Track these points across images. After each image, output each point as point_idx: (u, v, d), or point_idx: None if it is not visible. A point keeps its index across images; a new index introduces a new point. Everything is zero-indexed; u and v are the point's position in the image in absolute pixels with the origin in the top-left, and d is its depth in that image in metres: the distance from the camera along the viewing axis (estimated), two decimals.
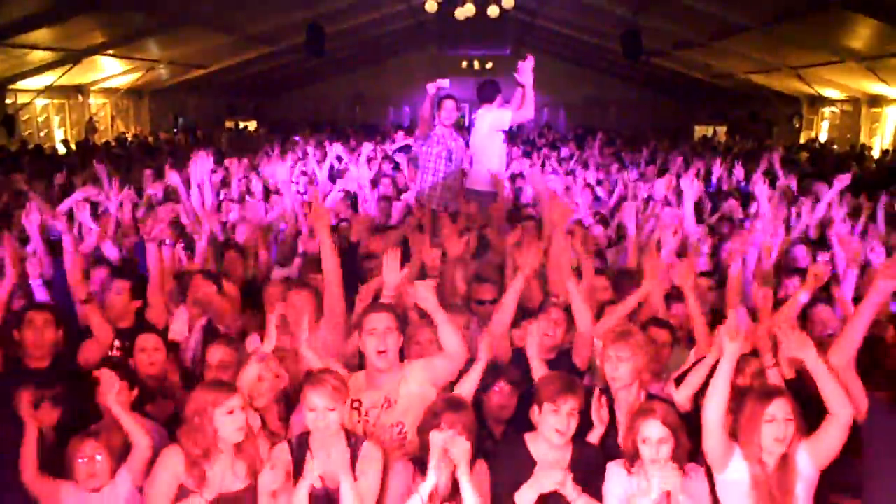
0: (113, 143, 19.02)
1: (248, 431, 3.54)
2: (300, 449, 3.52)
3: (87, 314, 4.59)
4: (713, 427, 3.44)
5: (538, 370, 4.16)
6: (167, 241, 5.44)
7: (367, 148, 10.81)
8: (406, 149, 12.03)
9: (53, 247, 6.32)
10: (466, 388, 3.95)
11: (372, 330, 3.87)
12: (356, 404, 3.84)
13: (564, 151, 15.66)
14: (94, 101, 20.70)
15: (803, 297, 4.50)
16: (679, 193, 7.77)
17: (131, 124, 22.45)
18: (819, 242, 7.06)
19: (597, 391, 3.90)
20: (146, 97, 23.06)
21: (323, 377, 3.50)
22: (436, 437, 3.29)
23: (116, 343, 4.66)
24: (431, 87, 7.83)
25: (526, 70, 7.46)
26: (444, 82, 7.93)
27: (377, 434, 3.79)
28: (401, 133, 14.01)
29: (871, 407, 3.57)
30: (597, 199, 9.63)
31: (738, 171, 11.39)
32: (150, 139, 20.91)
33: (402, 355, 4.06)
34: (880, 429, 3.55)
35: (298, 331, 4.09)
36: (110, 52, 16.90)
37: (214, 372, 4.14)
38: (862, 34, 14.07)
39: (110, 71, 19.08)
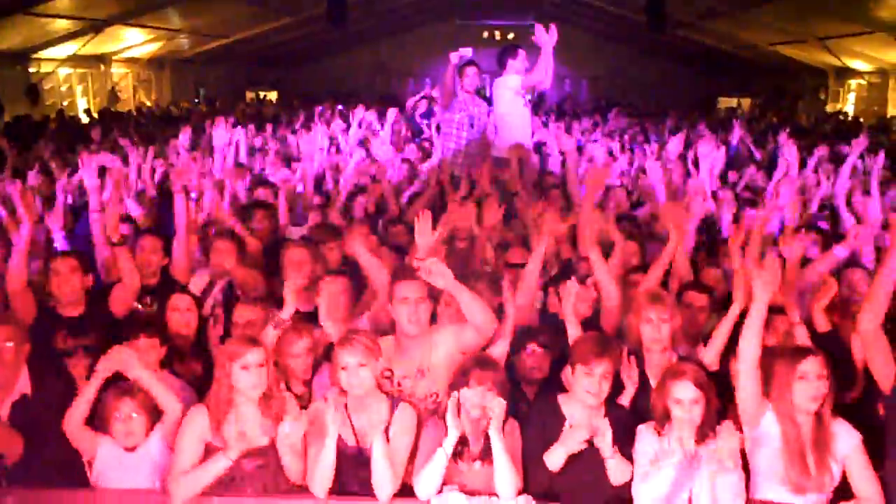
0: (135, 114, 19.04)
1: (274, 389, 3.56)
2: None
3: (116, 257, 4.55)
4: (746, 380, 3.40)
5: (573, 330, 4.10)
6: (192, 194, 5.36)
7: (392, 114, 10.69)
8: (428, 113, 11.94)
9: (74, 213, 6.40)
10: (499, 350, 3.95)
11: (404, 299, 3.81)
12: (387, 373, 3.82)
13: (586, 122, 15.49)
14: (117, 70, 20.67)
15: (841, 252, 4.43)
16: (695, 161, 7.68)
17: (153, 95, 22.46)
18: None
19: (625, 352, 3.88)
20: (167, 68, 23.00)
21: (353, 336, 3.52)
22: (465, 394, 3.29)
23: (147, 300, 4.68)
24: (454, 56, 7.84)
25: (543, 34, 7.21)
26: (467, 51, 7.96)
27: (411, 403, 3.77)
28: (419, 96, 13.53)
29: None
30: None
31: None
32: (172, 109, 20.92)
33: (434, 318, 4.02)
34: None
35: (328, 314, 4.10)
36: (131, 21, 16.84)
37: (241, 331, 4.16)
38: (892, 4, 13.73)
39: (131, 41, 19.02)
